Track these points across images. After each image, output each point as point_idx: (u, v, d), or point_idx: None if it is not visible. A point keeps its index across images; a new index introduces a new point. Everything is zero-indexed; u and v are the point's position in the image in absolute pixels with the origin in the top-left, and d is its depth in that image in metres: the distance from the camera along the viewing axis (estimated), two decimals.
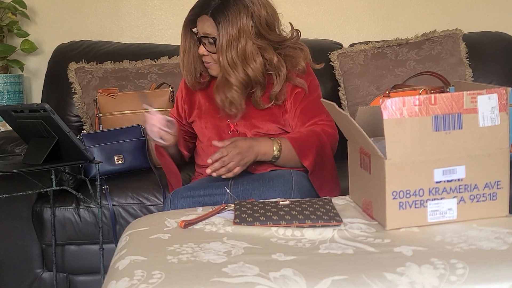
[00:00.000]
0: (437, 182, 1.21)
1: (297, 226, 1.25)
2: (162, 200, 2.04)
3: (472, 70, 2.58)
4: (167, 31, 2.94)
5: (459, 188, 1.22)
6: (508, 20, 2.93)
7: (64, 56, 2.65)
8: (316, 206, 1.32)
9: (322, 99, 1.42)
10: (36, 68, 2.90)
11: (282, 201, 1.37)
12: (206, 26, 1.67)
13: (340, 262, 1.06)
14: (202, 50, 1.72)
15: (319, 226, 1.25)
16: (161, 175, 2.12)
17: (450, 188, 1.22)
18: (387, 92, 2.34)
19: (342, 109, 2.53)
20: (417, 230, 1.22)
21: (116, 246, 1.96)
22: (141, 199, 2.06)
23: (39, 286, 2.08)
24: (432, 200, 1.22)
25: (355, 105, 2.55)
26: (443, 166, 1.21)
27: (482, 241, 1.13)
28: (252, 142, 1.62)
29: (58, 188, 1.77)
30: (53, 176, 1.76)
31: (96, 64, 2.58)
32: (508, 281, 0.99)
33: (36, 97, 2.90)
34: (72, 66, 2.55)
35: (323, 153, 1.70)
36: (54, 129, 1.60)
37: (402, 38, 2.63)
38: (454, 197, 1.22)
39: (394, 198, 1.21)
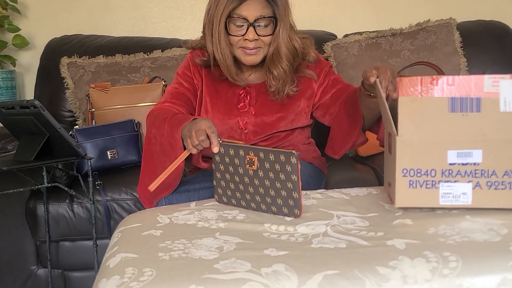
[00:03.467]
0: (450, 164, 1.20)
1: None
2: None
3: (466, 59, 2.57)
4: (160, 24, 2.91)
5: (475, 173, 1.20)
6: (502, 8, 2.92)
7: (56, 50, 2.63)
8: (278, 186, 1.28)
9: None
10: (28, 63, 2.87)
11: (250, 158, 1.31)
12: (260, 8, 1.59)
13: (332, 256, 1.05)
14: (253, 35, 1.59)
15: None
16: None
17: (465, 172, 1.20)
18: None
19: None
20: (411, 222, 1.22)
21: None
22: (135, 193, 2.04)
23: (34, 282, 2.07)
24: (444, 182, 1.21)
25: None
26: (458, 148, 1.20)
27: (475, 233, 1.12)
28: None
29: (50, 185, 1.75)
30: (44, 173, 1.75)
31: (89, 58, 2.56)
32: (501, 273, 0.98)
33: (29, 92, 2.88)
34: (64, 60, 2.53)
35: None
36: (44, 126, 1.59)
37: (396, 28, 2.62)
38: (469, 182, 1.21)
39: (404, 176, 1.21)
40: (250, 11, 1.59)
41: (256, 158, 1.31)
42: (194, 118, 1.48)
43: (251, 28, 1.59)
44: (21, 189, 1.72)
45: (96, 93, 2.31)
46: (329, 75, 1.74)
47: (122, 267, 1.05)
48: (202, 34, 1.72)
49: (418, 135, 1.20)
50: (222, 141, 1.37)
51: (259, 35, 1.61)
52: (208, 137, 1.37)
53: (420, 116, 1.20)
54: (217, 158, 1.39)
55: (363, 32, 2.66)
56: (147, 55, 2.58)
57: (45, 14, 2.87)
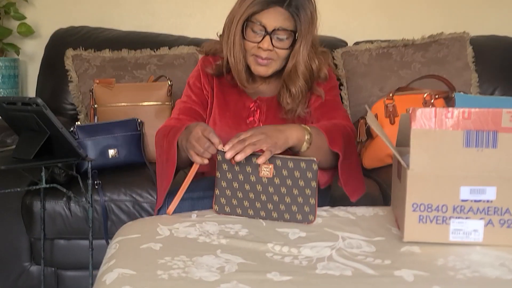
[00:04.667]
0: (462, 200, 1.17)
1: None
2: (155, 198, 1.99)
3: (478, 75, 2.53)
4: (168, 20, 2.87)
5: (488, 210, 1.17)
6: None
7: (62, 41, 2.60)
8: (295, 193, 1.32)
9: (366, 106, 1.36)
10: (32, 52, 2.83)
11: (265, 166, 1.32)
12: (282, 19, 1.53)
13: (337, 285, 1.01)
14: (268, 44, 1.54)
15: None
16: (155, 171, 2.06)
17: (478, 209, 1.17)
18: (391, 95, 2.28)
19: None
20: (419, 250, 1.18)
21: (107, 243, 1.94)
22: (134, 195, 2.01)
23: (26, 279, 2.04)
24: (456, 218, 1.18)
25: (357, 106, 2.50)
26: (471, 184, 1.16)
27: (486, 268, 1.08)
28: (279, 126, 1.44)
29: (48, 186, 1.71)
30: (43, 173, 1.70)
31: (94, 51, 2.52)
32: None
33: (31, 82, 2.84)
34: (69, 53, 2.49)
35: (349, 144, 1.58)
36: (46, 124, 1.55)
37: (408, 39, 2.57)
38: (481, 219, 1.17)
39: (414, 210, 1.18)
40: (270, 20, 1.53)
41: (272, 165, 1.33)
42: (187, 127, 1.44)
43: (267, 37, 1.54)
44: (18, 189, 1.68)
45: (100, 89, 2.27)
46: (327, 92, 1.68)
47: (119, 284, 1.01)
48: (219, 37, 1.67)
49: (431, 169, 1.16)
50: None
51: (274, 46, 1.55)
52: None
53: (433, 150, 1.16)
54: (225, 166, 1.35)
55: (374, 40, 2.61)
56: (154, 51, 2.54)
57: (52, 3, 2.83)
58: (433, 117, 1.17)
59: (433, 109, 1.17)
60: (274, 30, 1.53)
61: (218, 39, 1.69)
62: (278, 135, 1.37)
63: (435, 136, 1.16)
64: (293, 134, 1.42)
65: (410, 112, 1.18)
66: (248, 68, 1.62)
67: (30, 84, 2.85)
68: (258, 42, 1.55)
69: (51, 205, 1.97)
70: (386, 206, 1.96)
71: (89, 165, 1.62)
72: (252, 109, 1.68)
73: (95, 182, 1.96)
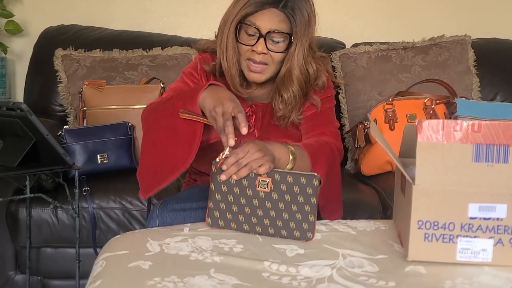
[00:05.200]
0: (471, 218, 1.11)
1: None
2: (146, 205, 1.92)
3: (479, 79, 2.47)
4: (161, 19, 2.79)
5: (498, 229, 1.11)
6: None
7: (51, 40, 2.52)
8: (294, 209, 1.25)
9: (368, 115, 1.29)
10: (21, 51, 2.75)
11: (263, 180, 1.26)
12: (277, 21, 1.45)
13: None
14: (262, 48, 1.46)
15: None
16: None
17: (487, 227, 1.11)
18: (391, 99, 2.23)
19: (341, 113, 2.44)
20: (424, 270, 1.12)
21: (95, 252, 1.87)
22: (124, 202, 1.94)
23: None
24: (463, 237, 1.12)
25: (355, 110, 2.44)
26: (480, 201, 1.10)
27: None
28: (265, 144, 1.36)
29: (32, 195, 1.63)
30: (27, 182, 1.62)
31: (84, 51, 2.44)
32: None
33: (20, 81, 2.75)
34: (59, 52, 2.41)
35: (333, 167, 1.53)
36: (31, 130, 1.47)
37: (408, 41, 2.51)
38: (490, 238, 1.11)
39: (419, 228, 1.12)
40: (264, 21, 1.45)
41: (270, 179, 1.26)
42: (210, 84, 1.39)
43: (261, 40, 1.46)
44: (1, 199, 1.60)
45: (90, 91, 2.19)
46: (322, 103, 1.60)
47: None
48: (215, 37, 1.59)
49: (437, 185, 1.10)
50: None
51: (269, 50, 1.47)
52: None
53: (440, 164, 1.10)
54: (219, 178, 1.28)
55: (373, 42, 2.54)
56: (146, 52, 2.46)
57: (41, 1, 2.74)
58: (441, 130, 1.11)
59: (441, 121, 1.11)
60: (268, 32, 1.45)
61: (214, 38, 1.61)
62: (269, 152, 1.31)
63: (442, 150, 1.10)
64: (276, 154, 1.35)
65: (416, 123, 1.12)
66: (241, 72, 1.55)
67: (19, 84, 2.76)
68: (252, 45, 1.47)
69: (38, 212, 1.90)
70: (386, 217, 1.94)
71: (76, 173, 1.54)
72: (248, 114, 1.60)
73: (83, 188, 1.89)
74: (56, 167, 1.51)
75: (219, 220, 1.29)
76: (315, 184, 1.24)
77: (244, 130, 1.28)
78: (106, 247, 1.26)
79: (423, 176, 1.11)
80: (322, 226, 1.36)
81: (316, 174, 1.25)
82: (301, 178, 1.25)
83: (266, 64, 1.49)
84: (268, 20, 1.45)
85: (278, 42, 1.48)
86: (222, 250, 1.20)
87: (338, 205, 1.57)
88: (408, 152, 1.31)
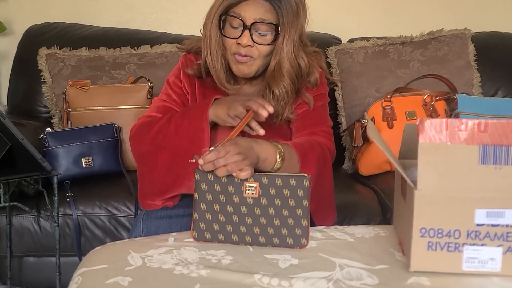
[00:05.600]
0: (478, 225, 1.03)
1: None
2: (133, 211, 1.83)
3: (480, 74, 2.39)
4: (150, 16, 2.70)
5: (507, 236, 1.03)
6: None
7: (35, 39, 2.44)
8: (285, 213, 1.17)
9: (365, 114, 1.21)
10: (5, 50, 2.66)
11: (250, 185, 1.17)
12: (262, 11, 1.37)
13: None
14: (247, 40, 1.38)
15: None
16: (134, 181, 1.91)
17: (495, 235, 1.03)
18: (389, 96, 2.14)
19: (338, 111, 2.35)
20: (428, 282, 1.03)
21: (80, 260, 1.77)
22: (110, 208, 1.85)
23: None
24: (470, 245, 1.04)
25: (352, 108, 2.36)
26: (488, 207, 1.02)
27: None
28: (252, 142, 1.27)
29: (7, 204, 1.54)
30: (1, 191, 1.53)
31: (70, 50, 2.35)
32: None
33: (4, 81, 2.66)
34: (43, 52, 2.33)
35: (324, 168, 1.45)
36: (6, 134, 1.38)
37: (406, 36, 2.42)
38: (499, 246, 1.03)
39: (422, 236, 1.04)
40: (249, 12, 1.37)
41: (258, 184, 1.17)
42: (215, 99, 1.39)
43: (246, 32, 1.37)
44: None
45: (74, 91, 2.10)
46: (315, 100, 1.52)
47: None
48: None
49: (441, 189, 1.02)
50: None
51: (254, 42, 1.39)
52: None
53: (444, 167, 1.02)
54: (203, 186, 1.19)
55: (370, 38, 2.46)
56: (134, 50, 2.37)
57: None
58: (444, 129, 1.03)
59: (444, 120, 1.02)
60: (253, 23, 1.37)
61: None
62: (252, 156, 1.22)
63: (446, 152, 1.02)
64: (263, 154, 1.27)
65: (418, 123, 1.04)
66: (229, 68, 1.47)
67: (3, 84, 2.67)
68: (237, 38, 1.39)
69: (19, 220, 1.82)
70: (386, 219, 1.85)
71: (55, 180, 1.44)
72: None
73: (67, 194, 1.81)
74: (32, 174, 1.41)
75: (206, 233, 1.20)
76: (306, 186, 1.16)
77: (271, 109, 1.27)
78: (84, 260, 1.18)
79: (426, 180, 1.03)
80: (317, 233, 1.27)
81: (306, 175, 1.17)
82: (290, 179, 1.16)
83: (252, 57, 1.41)
84: (253, 10, 1.37)
85: (264, 35, 1.39)
86: (210, 262, 1.12)
87: (331, 209, 1.49)
88: (408, 153, 1.22)
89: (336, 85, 2.37)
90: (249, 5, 1.37)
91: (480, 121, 1.01)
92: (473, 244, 1.04)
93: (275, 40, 1.40)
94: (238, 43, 1.39)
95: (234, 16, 1.38)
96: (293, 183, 1.16)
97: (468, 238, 1.03)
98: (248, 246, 1.19)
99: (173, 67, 1.58)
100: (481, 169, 1.01)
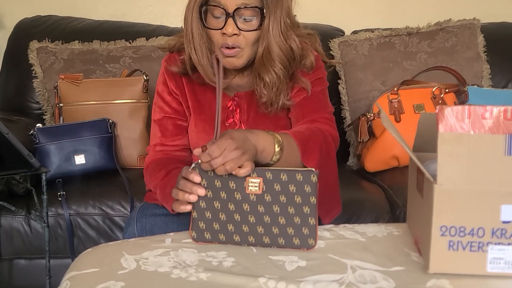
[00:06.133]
0: (504, 222, 0.95)
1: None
2: (129, 210, 1.74)
3: (489, 66, 2.31)
4: (146, 8, 2.61)
5: None
6: None
7: (26, 32, 2.35)
8: (291, 211, 1.09)
9: (376, 103, 1.12)
10: None
11: (253, 180, 1.09)
12: None
13: None
14: (232, 28, 1.29)
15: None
16: (129, 179, 1.82)
17: None
18: (396, 89, 2.05)
19: (342, 105, 2.27)
20: (449, 286, 0.95)
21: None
22: (104, 208, 1.77)
23: None
24: (495, 244, 0.96)
25: (357, 101, 2.27)
26: None
27: None
28: (247, 133, 1.18)
29: None
30: None
31: (62, 43, 2.27)
32: None
33: None
34: (34, 45, 2.25)
35: (328, 157, 1.35)
36: None
37: (413, 27, 2.33)
38: None
39: (442, 235, 0.96)
40: (227, 1, 1.27)
41: (261, 179, 1.09)
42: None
43: (230, 20, 1.28)
44: None
45: (66, 85, 2.01)
46: (313, 85, 1.42)
47: None
48: (182, 31, 1.40)
49: (463, 183, 0.94)
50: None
51: (240, 29, 1.29)
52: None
53: (466, 159, 0.94)
54: (203, 182, 1.10)
55: (375, 29, 2.37)
56: (130, 43, 2.29)
57: None
58: (467, 118, 0.94)
59: (467, 107, 0.94)
60: (237, 9, 1.28)
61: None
62: (250, 148, 1.13)
63: (469, 142, 0.94)
64: (260, 145, 1.17)
65: (437, 110, 0.95)
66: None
67: None
68: (221, 28, 1.29)
69: (8, 221, 1.74)
70: (395, 217, 1.76)
71: (44, 177, 1.35)
72: (231, 108, 1.43)
73: (59, 193, 1.73)
74: (19, 171, 1.32)
75: (205, 233, 1.11)
76: (314, 181, 1.08)
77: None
78: (74, 263, 1.09)
79: (447, 174, 0.95)
80: (325, 232, 1.18)
81: (314, 170, 1.08)
82: (297, 174, 1.08)
83: (239, 47, 1.31)
84: None
85: (250, 20, 1.30)
86: (210, 264, 1.03)
87: (336, 200, 1.40)
88: (424, 145, 1.14)
89: (340, 78, 2.28)
90: None
91: (506, 108, 0.93)
92: (499, 244, 0.96)
93: (261, 24, 1.31)
94: (224, 33, 1.30)
95: (215, 5, 1.28)
96: (300, 178, 1.08)
97: (493, 236, 0.96)
98: (252, 247, 1.10)
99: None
100: (508, 160, 0.93)
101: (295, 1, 1.37)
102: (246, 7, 1.28)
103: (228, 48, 1.31)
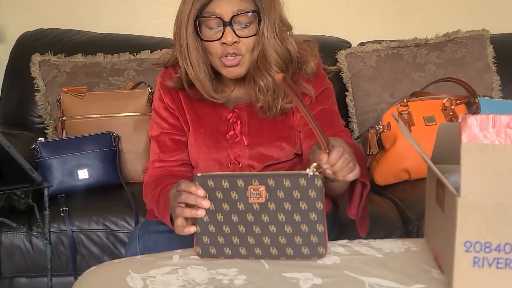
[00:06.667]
0: None
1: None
2: (133, 226, 1.70)
3: (499, 77, 2.27)
4: (151, 21, 2.58)
5: None
6: None
7: (28, 46, 2.31)
8: (297, 219, 1.04)
9: (392, 113, 1.12)
10: None
11: (254, 189, 1.04)
12: (238, 1, 1.25)
13: None
14: (232, 36, 1.26)
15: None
16: (133, 194, 1.78)
17: None
18: (405, 100, 2.01)
19: (350, 117, 2.23)
20: None
21: (75, 280, 1.64)
22: (107, 223, 1.72)
23: None
24: None
25: (365, 114, 2.23)
26: None
27: None
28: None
29: None
30: None
31: (65, 56, 2.23)
32: None
33: None
34: (36, 58, 2.21)
35: (365, 167, 1.36)
36: None
37: (421, 38, 2.30)
38: None
39: (466, 251, 0.91)
40: (224, 6, 1.25)
41: (264, 187, 1.04)
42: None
43: (228, 29, 1.25)
44: None
45: (69, 98, 1.98)
46: (319, 102, 1.39)
47: None
48: (174, 46, 1.37)
49: (489, 196, 0.89)
50: (208, 175, 1.07)
51: (239, 37, 1.27)
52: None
53: (492, 170, 0.89)
54: (205, 194, 1.06)
55: (382, 40, 2.33)
56: (134, 56, 2.25)
57: (19, 4, 2.53)
58: (491, 127, 0.89)
59: (491, 115, 0.89)
60: (233, 17, 1.25)
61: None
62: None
63: (494, 152, 0.89)
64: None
65: (460, 120, 0.91)
66: (214, 75, 1.34)
67: None
68: (220, 38, 1.26)
69: (8, 238, 1.69)
70: (408, 232, 1.71)
71: (46, 192, 1.31)
72: (231, 120, 1.40)
73: (61, 209, 1.69)
74: (21, 186, 1.27)
75: (210, 248, 1.07)
76: (319, 185, 1.03)
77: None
78: (78, 282, 1.04)
79: (471, 186, 0.90)
80: (340, 248, 1.13)
81: (318, 173, 1.03)
82: (300, 179, 1.03)
83: (241, 55, 1.29)
84: (228, 3, 1.25)
85: (247, 25, 1.27)
86: (220, 283, 0.99)
87: (367, 212, 1.35)
88: (443, 156, 1.10)
89: (347, 91, 2.24)
90: (219, 1, 1.25)
91: None
92: None
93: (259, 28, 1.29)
94: (224, 43, 1.27)
95: (209, 16, 1.25)
96: (304, 184, 1.03)
97: None
98: (263, 262, 1.06)
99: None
100: None
101: (284, 3, 1.35)
102: (242, 13, 1.26)
103: (229, 57, 1.28)
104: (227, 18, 1.25)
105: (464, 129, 0.89)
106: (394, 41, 2.32)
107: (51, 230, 1.64)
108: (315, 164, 1.04)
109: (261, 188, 1.04)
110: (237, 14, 1.25)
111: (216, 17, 1.25)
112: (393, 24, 2.60)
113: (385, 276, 1.00)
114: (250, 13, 1.26)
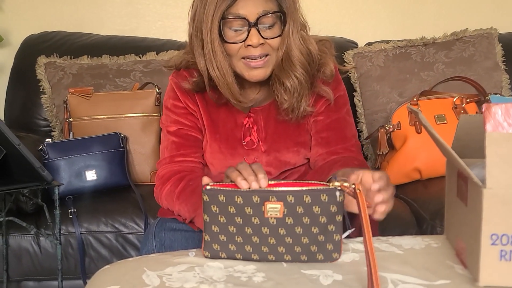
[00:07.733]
0: None
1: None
2: (143, 227, 1.67)
3: (509, 76, 2.25)
4: (156, 23, 2.57)
5: None
6: None
7: (33, 48, 2.31)
8: (315, 231, 1.00)
9: (408, 106, 1.08)
10: (2, 62, 2.53)
11: (272, 206, 0.98)
12: (262, 2, 1.22)
13: None
14: (257, 38, 1.22)
15: None
16: (142, 195, 1.75)
17: None
18: (415, 99, 1.99)
19: (358, 118, 2.21)
20: None
21: (84, 283, 1.62)
22: (116, 225, 1.71)
23: None
24: None
25: (373, 114, 2.21)
26: None
27: None
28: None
29: (1, 219, 1.38)
30: None
31: (70, 59, 2.22)
32: None
33: (1, 95, 2.51)
34: (41, 60, 2.20)
35: None
36: (1, 141, 1.22)
37: (429, 37, 2.28)
38: None
39: (493, 244, 0.89)
40: (249, 7, 1.21)
41: (282, 203, 0.98)
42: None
43: (253, 30, 1.22)
44: None
45: (76, 99, 1.96)
46: (332, 110, 1.37)
47: None
48: (186, 48, 1.34)
49: None
50: (219, 189, 0.99)
51: (265, 38, 1.23)
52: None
53: None
54: (215, 208, 0.99)
55: (390, 40, 2.32)
56: (139, 57, 2.24)
57: (23, 7, 2.52)
58: None
59: None
60: (258, 18, 1.21)
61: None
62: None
63: None
64: None
65: (484, 109, 0.89)
66: (236, 77, 1.30)
67: (1, 98, 2.53)
68: (244, 40, 1.23)
69: (16, 240, 1.67)
70: (422, 231, 1.69)
71: (57, 191, 1.29)
72: (247, 125, 1.37)
73: (69, 210, 1.67)
74: (31, 184, 1.25)
75: (220, 253, 1.03)
76: (340, 200, 0.98)
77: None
78: (92, 281, 1.01)
79: (497, 177, 0.87)
80: (359, 245, 1.11)
81: (338, 187, 0.98)
82: (321, 195, 0.98)
83: (267, 55, 1.26)
84: (253, 4, 1.21)
85: (272, 26, 1.24)
86: (239, 280, 0.96)
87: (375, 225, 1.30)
88: (463, 150, 1.07)
89: (355, 91, 2.22)
90: (243, 2, 1.21)
91: None
92: None
93: (284, 29, 1.26)
94: (248, 45, 1.23)
95: (234, 18, 1.22)
96: (325, 199, 0.98)
97: None
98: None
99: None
100: None
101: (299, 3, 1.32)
102: (267, 14, 1.22)
103: (252, 59, 1.24)
104: (252, 19, 1.21)
105: (488, 118, 0.87)
106: (402, 40, 2.31)
107: (54, 235, 1.61)
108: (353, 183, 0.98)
109: (279, 205, 0.98)
110: (263, 15, 1.22)
111: (242, 18, 1.21)
112: (399, 24, 2.60)
113: (408, 272, 0.98)
114: (276, 13, 1.23)
